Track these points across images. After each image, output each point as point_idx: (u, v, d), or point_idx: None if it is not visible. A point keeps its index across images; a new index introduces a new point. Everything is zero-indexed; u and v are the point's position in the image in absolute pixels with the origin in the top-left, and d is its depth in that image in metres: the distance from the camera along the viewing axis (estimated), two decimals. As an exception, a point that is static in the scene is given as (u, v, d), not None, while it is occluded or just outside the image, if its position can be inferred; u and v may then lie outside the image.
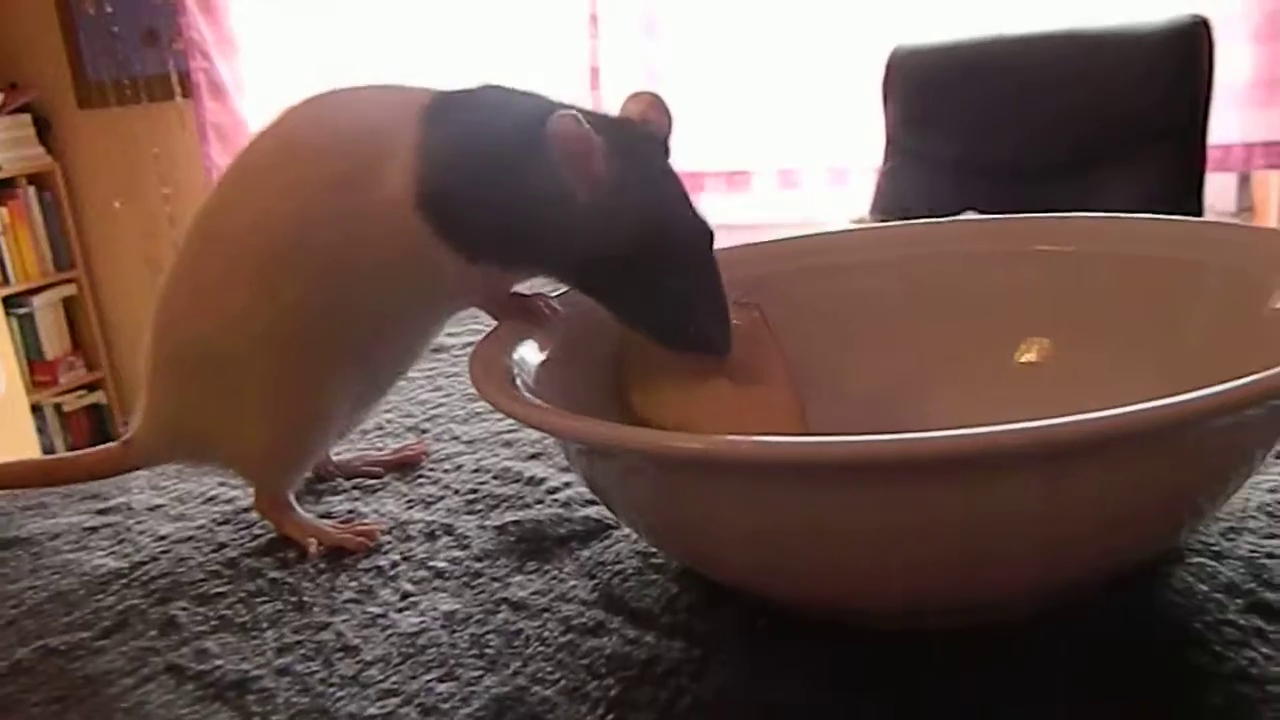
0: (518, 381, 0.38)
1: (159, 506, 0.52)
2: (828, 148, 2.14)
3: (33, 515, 0.52)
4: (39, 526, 0.51)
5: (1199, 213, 1.64)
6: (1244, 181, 2.00)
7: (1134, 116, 1.68)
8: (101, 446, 0.50)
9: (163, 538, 0.48)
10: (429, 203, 0.41)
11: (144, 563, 0.46)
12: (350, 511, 0.49)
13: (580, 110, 0.40)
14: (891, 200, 1.87)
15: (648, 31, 2.14)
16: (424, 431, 0.58)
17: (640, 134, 0.42)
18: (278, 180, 0.43)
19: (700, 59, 2.13)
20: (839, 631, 0.35)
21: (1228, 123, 1.82)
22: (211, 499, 0.52)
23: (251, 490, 0.50)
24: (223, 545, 0.47)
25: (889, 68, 1.87)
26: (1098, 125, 1.72)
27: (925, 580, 0.32)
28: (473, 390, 0.60)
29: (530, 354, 0.41)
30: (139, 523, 0.50)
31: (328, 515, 0.49)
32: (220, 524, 0.49)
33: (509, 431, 0.57)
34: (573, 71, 2.11)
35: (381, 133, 0.42)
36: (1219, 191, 1.94)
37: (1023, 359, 0.45)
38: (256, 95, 2.39)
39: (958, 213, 1.59)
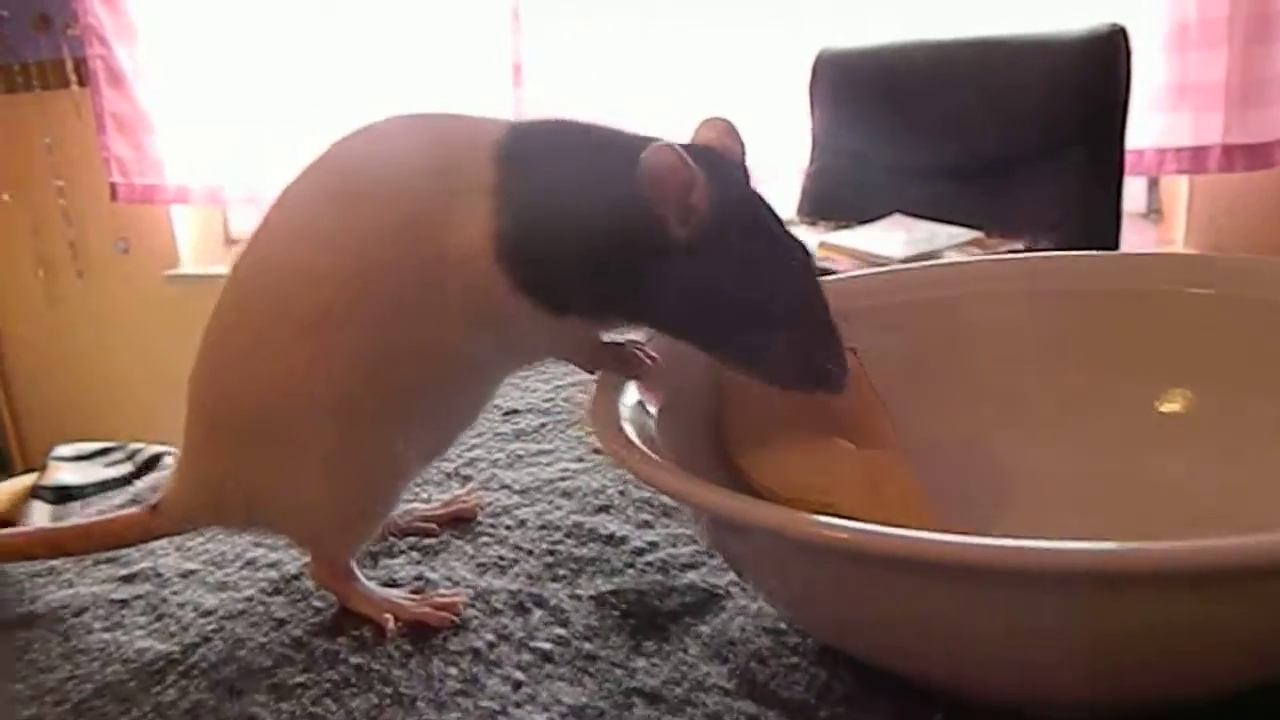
0: (645, 447, 0.35)
1: (192, 573, 0.47)
2: (755, 148, 2.12)
3: (46, 584, 0.47)
4: (57, 599, 0.45)
5: (1118, 216, 1.68)
6: (1153, 185, 2.07)
7: (1055, 121, 1.71)
8: (123, 512, 0.45)
9: (209, 613, 0.44)
10: (510, 254, 0.38)
11: (196, 644, 0.41)
12: (418, 579, 0.45)
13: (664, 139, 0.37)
14: (818, 201, 1.87)
15: (573, 28, 2.09)
16: (466, 478, 0.54)
17: (726, 160, 0.39)
18: (329, 227, 0.39)
19: (628, 58, 2.10)
20: (1027, 728, 0.32)
21: (1140, 128, 1.87)
22: (251, 563, 0.47)
23: (299, 551, 0.45)
24: (282, 622, 0.43)
25: (815, 70, 1.88)
26: (1020, 129, 1.75)
27: (1124, 680, 0.30)
28: (506, 430, 0.56)
29: (648, 412, 0.39)
30: (174, 593, 0.45)
31: (392, 583, 0.45)
32: (271, 594, 0.45)
33: (562, 479, 0.53)
34: (494, 69, 2.05)
35: (449, 172, 0.38)
36: (1129, 195, 2.00)
37: (1163, 408, 0.43)
38: (158, 83, 2.26)
39: (885, 214, 1.61)
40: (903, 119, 1.83)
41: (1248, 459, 0.39)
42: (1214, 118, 1.85)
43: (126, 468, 1.72)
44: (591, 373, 0.42)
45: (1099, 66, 1.68)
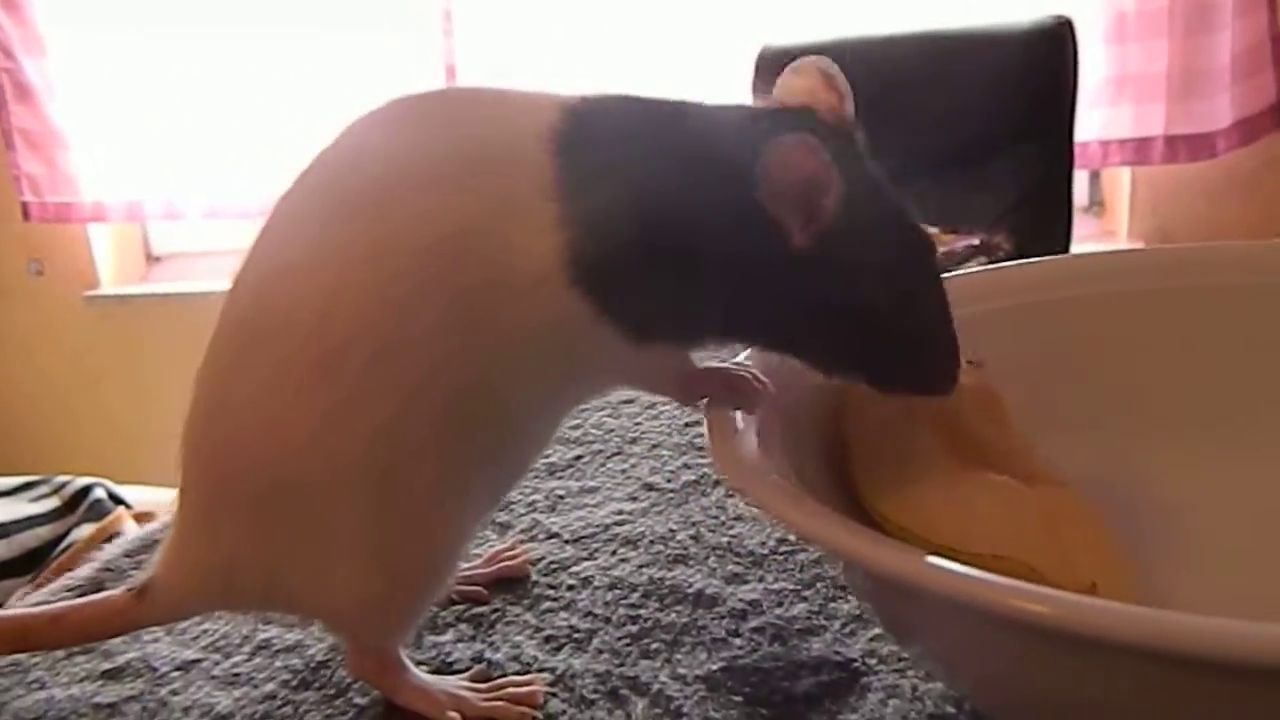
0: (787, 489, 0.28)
1: (193, 663, 0.38)
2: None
3: (9, 688, 0.37)
4: (27, 707, 0.36)
5: (1069, 209, 1.66)
6: (1094, 178, 2.06)
7: (1004, 114, 1.69)
8: (97, 598, 0.35)
9: (224, 717, 0.35)
10: (589, 277, 0.30)
11: (214, 763, 0.33)
12: (477, 660, 0.37)
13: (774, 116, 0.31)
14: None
15: (507, 29, 2.00)
16: (504, 526, 0.46)
17: (839, 134, 0.32)
18: (345, 245, 0.31)
19: (565, 58, 2.02)
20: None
21: (1084, 121, 1.86)
22: (265, 647, 0.39)
23: (329, 635, 0.37)
24: (320, 726, 0.34)
25: (758, 67, 1.83)
26: (969, 123, 1.72)
27: None
28: (538, 465, 0.49)
29: (773, 451, 0.31)
30: (174, 692, 0.37)
31: (446, 668, 0.37)
32: (298, 689, 0.36)
33: (618, 523, 0.45)
34: (427, 71, 1.95)
35: (498, 169, 0.31)
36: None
37: None
38: (70, 97, 2.10)
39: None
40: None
41: None
42: (1156, 109, 1.85)
43: (53, 502, 1.57)
44: (688, 404, 0.34)
45: (1046, 58, 1.65)
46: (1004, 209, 1.74)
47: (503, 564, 0.42)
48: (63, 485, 1.58)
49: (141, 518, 1.57)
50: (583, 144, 0.31)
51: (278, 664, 0.38)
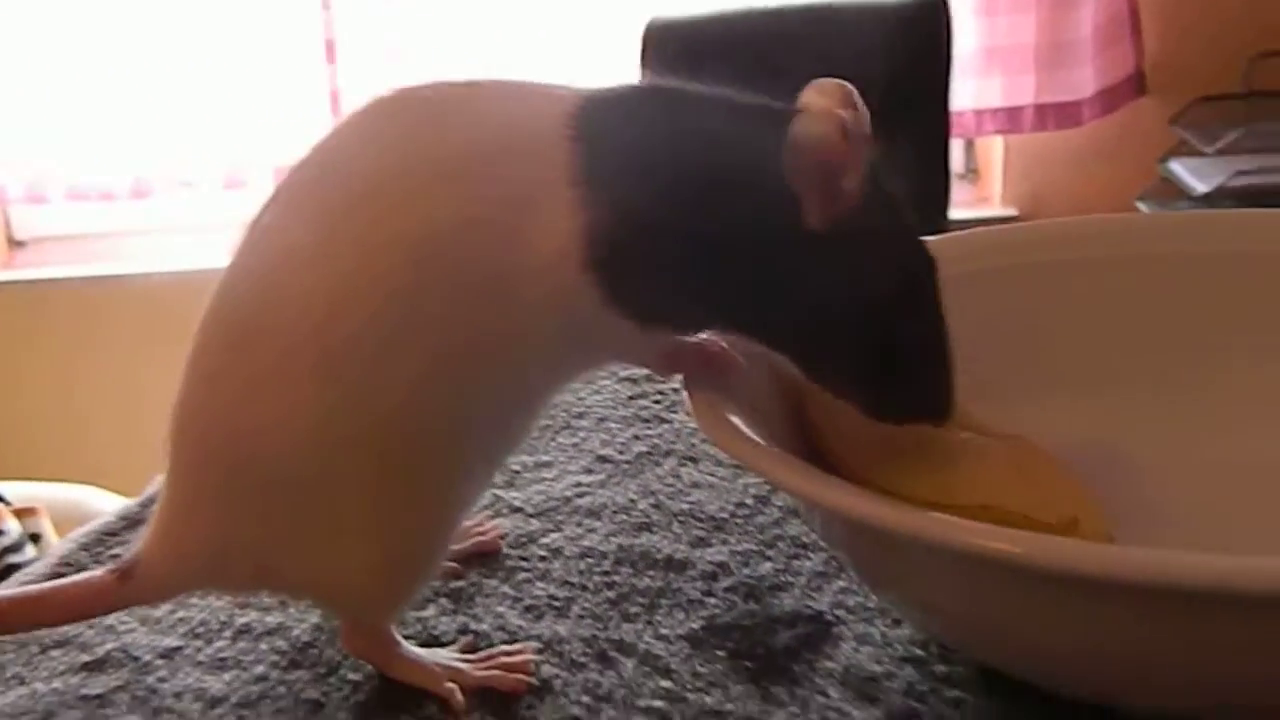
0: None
1: (176, 650, 0.38)
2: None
3: (-15, 684, 0.37)
4: (12, 701, 0.36)
5: (948, 178, 1.73)
6: (969, 146, 2.14)
7: (882, 86, 1.73)
8: (79, 579, 0.36)
9: (219, 701, 0.35)
10: (604, 260, 0.31)
11: (217, 746, 0.33)
12: (462, 632, 0.38)
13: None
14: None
15: (389, 56, 1.96)
16: (466, 503, 0.47)
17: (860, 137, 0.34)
18: (356, 232, 0.31)
19: (446, 34, 1.98)
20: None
21: (957, 91, 1.93)
22: (246, 631, 0.39)
23: (311, 612, 0.38)
24: (318, 704, 0.35)
25: (645, 41, 1.84)
26: (851, 94, 1.77)
27: None
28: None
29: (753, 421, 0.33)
30: (162, 680, 0.37)
31: (433, 640, 0.38)
32: (288, 669, 0.37)
33: (579, 495, 0.47)
34: (311, 97, 1.90)
35: (514, 154, 0.32)
36: (947, 155, 2.08)
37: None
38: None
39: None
40: (735, 88, 1.82)
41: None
42: (1025, 79, 1.93)
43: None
44: (666, 376, 0.36)
45: (923, 30, 1.71)
46: (888, 179, 1.81)
47: (476, 539, 0.43)
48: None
49: (23, 514, 1.50)
50: (602, 131, 0.32)
51: (263, 646, 0.38)
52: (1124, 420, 0.40)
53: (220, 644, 0.39)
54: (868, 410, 0.33)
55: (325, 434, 0.32)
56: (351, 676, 0.36)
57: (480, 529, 0.44)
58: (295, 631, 0.39)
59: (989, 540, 0.25)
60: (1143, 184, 1.78)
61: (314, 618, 0.39)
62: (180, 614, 0.40)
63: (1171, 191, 1.70)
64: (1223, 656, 0.26)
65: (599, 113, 0.33)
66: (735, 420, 0.33)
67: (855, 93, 0.33)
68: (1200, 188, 1.55)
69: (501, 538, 0.44)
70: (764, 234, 0.31)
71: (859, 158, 0.30)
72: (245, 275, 0.33)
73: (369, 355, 0.31)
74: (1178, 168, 1.66)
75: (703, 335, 0.36)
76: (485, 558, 0.43)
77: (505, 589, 0.41)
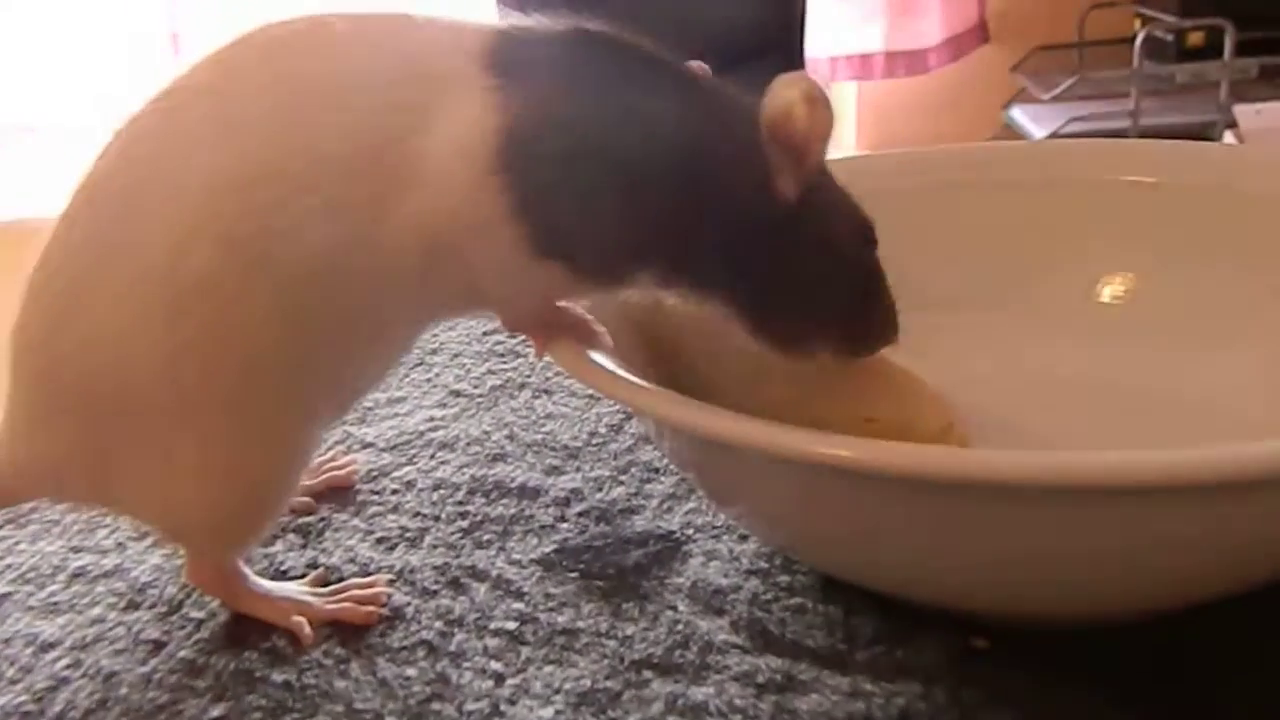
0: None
1: (4, 596, 0.37)
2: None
3: None
4: None
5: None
6: (825, 92, 2.18)
7: (740, 32, 1.76)
8: None
9: (52, 645, 0.34)
10: (516, 164, 0.30)
11: (52, 690, 0.32)
12: (312, 566, 0.38)
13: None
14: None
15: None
16: (315, 440, 0.46)
17: None
18: (234, 161, 0.30)
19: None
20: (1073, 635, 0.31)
21: (812, 38, 1.97)
22: (81, 574, 0.38)
23: (136, 555, 0.37)
24: (159, 644, 0.34)
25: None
26: (707, 40, 1.78)
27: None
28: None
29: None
30: (-12, 625, 0.35)
31: (281, 575, 0.37)
32: (127, 609, 0.36)
33: (432, 429, 0.46)
34: (150, 39, 1.80)
35: (422, 82, 0.30)
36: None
37: (1103, 297, 0.43)
38: None
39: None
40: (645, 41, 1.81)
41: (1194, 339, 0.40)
42: (876, 27, 1.97)
43: None
44: (536, 339, 0.35)
45: (778, -25, 1.73)
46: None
47: (328, 475, 0.42)
48: None
49: None
50: (522, 68, 0.30)
51: (100, 589, 0.37)
52: (964, 336, 0.41)
53: (53, 588, 0.37)
54: (830, 351, 0.33)
55: (172, 372, 0.30)
56: (194, 614, 0.35)
57: (335, 464, 0.43)
58: (134, 573, 0.37)
59: (826, 447, 0.26)
60: (987, 130, 1.85)
61: (154, 558, 0.38)
62: (8, 560, 0.39)
63: (1013, 137, 1.77)
64: (1043, 555, 0.27)
65: (517, 51, 0.31)
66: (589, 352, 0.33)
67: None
68: (1037, 133, 1.62)
69: (354, 473, 0.43)
70: (729, 203, 0.31)
71: (827, 126, 0.30)
72: (109, 194, 0.31)
73: (223, 296, 0.30)
74: (1018, 114, 1.73)
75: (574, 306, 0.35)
76: (336, 493, 0.42)
77: (356, 522, 0.40)
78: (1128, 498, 0.25)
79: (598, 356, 0.32)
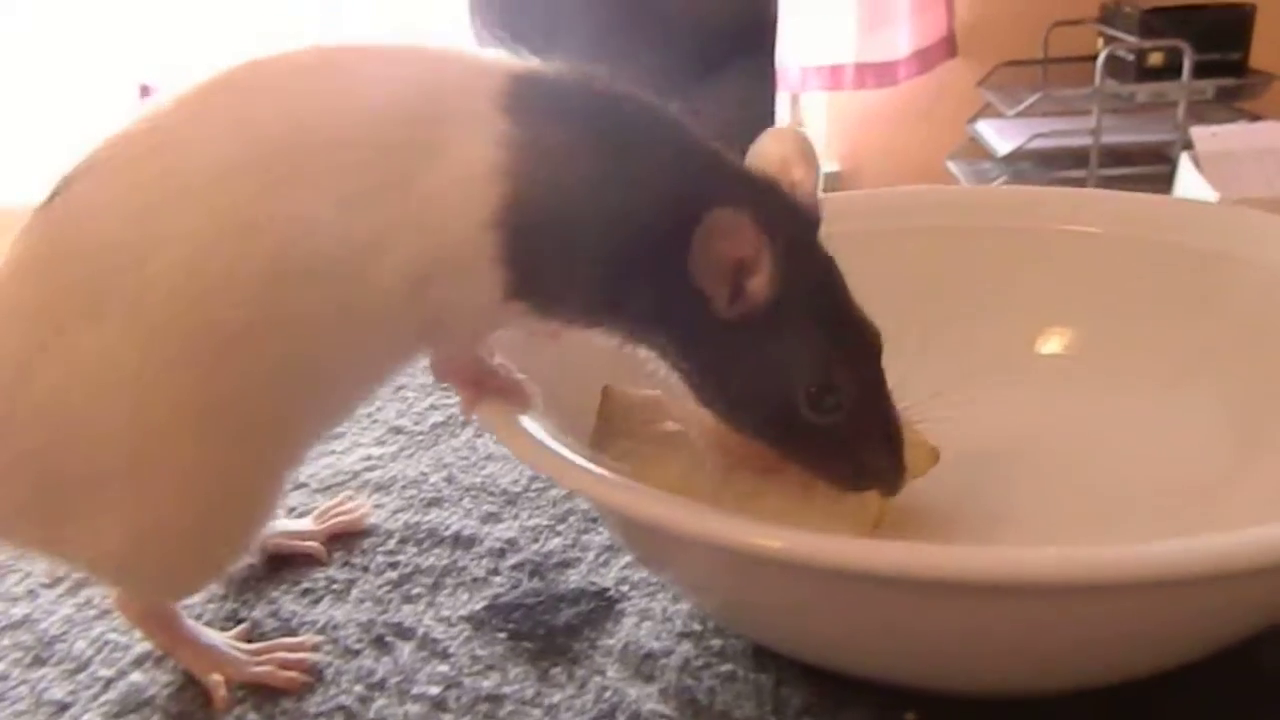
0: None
1: (-95, 651, 0.35)
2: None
3: None
4: None
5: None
6: (794, 102, 2.18)
7: (711, 41, 1.75)
8: None
9: (-49, 707, 0.33)
10: (514, 217, 0.29)
11: (-55, 757, 0.31)
12: (232, 620, 0.36)
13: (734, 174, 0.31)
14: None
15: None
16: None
17: (797, 212, 0.31)
18: (237, 194, 0.28)
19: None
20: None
21: (784, 48, 1.97)
22: (-11, 626, 0.36)
23: (46, 604, 0.36)
24: (64, 705, 0.33)
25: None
26: (677, 47, 1.77)
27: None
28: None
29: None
30: (-114, 685, 0.33)
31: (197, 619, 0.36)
32: (31, 665, 0.34)
33: (368, 469, 0.45)
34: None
35: (433, 125, 0.29)
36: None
37: (1045, 350, 0.42)
38: None
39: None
40: (558, 39, 1.79)
41: (1132, 396, 0.39)
42: (848, 38, 1.98)
43: None
44: (465, 394, 0.33)
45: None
46: (714, 129, 1.82)
47: (337, 519, 0.41)
48: None
49: None
50: (535, 112, 0.29)
51: (5, 641, 0.35)
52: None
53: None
54: (824, 478, 0.32)
55: (142, 409, 0.29)
56: (103, 673, 0.34)
57: (342, 509, 0.41)
58: (43, 625, 0.36)
59: (749, 536, 0.25)
60: (953, 142, 1.85)
61: (65, 608, 0.37)
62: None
63: (978, 151, 1.78)
64: (965, 640, 0.27)
65: (535, 96, 0.30)
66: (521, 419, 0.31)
67: (811, 144, 0.32)
68: (1002, 149, 1.62)
69: (364, 517, 0.41)
70: (678, 309, 0.30)
71: (764, 260, 0.29)
72: (72, 210, 0.29)
73: (236, 342, 0.29)
74: (983, 128, 1.73)
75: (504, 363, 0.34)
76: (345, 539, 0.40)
77: (283, 572, 0.39)
78: (1044, 594, 0.24)
79: (524, 421, 0.31)
